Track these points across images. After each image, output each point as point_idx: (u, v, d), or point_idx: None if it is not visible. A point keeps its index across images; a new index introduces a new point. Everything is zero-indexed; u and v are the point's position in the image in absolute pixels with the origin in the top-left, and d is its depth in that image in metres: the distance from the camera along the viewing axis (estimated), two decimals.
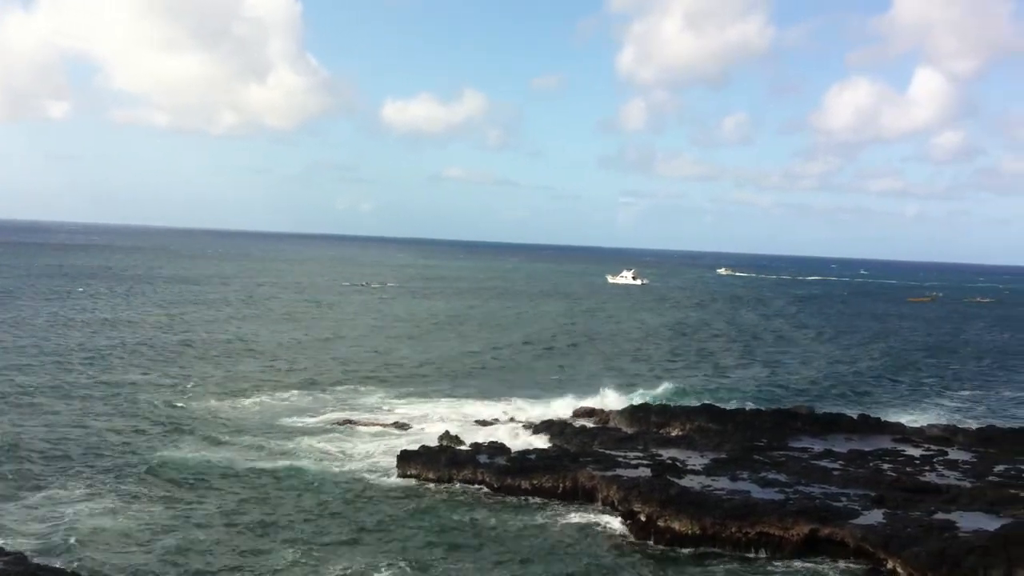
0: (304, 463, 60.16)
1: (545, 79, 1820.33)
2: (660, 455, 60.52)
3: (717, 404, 78.46)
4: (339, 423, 72.03)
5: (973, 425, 76.66)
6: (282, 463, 59.87)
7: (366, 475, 57.97)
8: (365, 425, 71.27)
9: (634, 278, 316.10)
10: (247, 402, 79.58)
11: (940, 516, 48.10)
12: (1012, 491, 53.66)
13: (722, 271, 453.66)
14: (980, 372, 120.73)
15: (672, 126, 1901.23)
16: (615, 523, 50.46)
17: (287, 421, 72.85)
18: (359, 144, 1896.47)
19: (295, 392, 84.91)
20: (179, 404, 77.09)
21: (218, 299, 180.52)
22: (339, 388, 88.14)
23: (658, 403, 78.89)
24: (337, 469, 59.07)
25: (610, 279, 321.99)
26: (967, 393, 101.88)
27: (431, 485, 56.20)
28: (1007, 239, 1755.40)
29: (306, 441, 66.12)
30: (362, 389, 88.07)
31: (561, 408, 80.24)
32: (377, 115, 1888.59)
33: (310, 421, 73.14)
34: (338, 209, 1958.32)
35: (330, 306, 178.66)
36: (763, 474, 56.42)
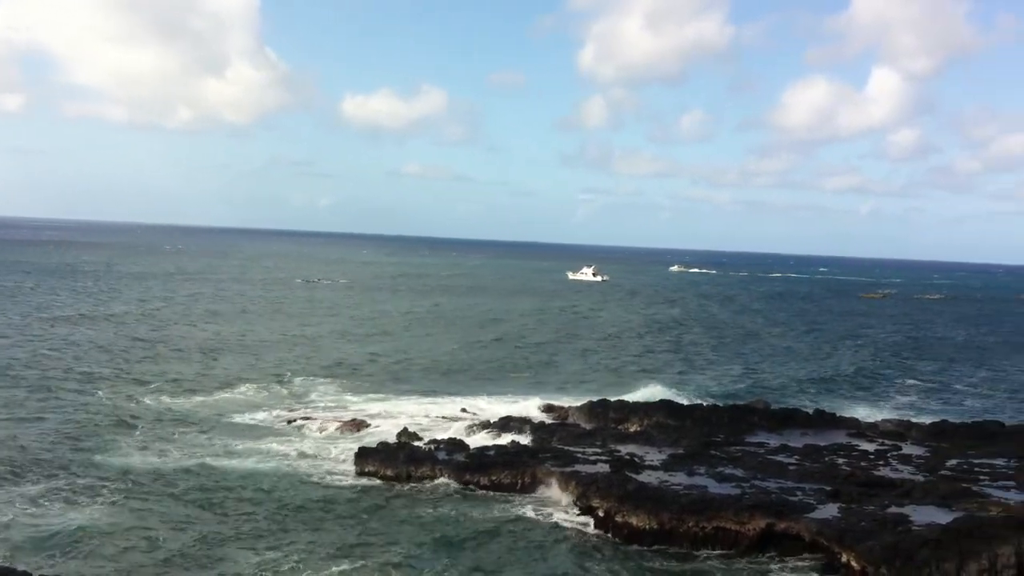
0: (260, 461, 59.63)
1: (505, 75, 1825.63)
2: (618, 451, 60.71)
3: (675, 400, 78.89)
4: (297, 420, 71.45)
5: (926, 420, 77.73)
6: (238, 462, 59.30)
7: (324, 473, 57.58)
8: (323, 422, 70.73)
9: (594, 274, 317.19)
10: (205, 400, 78.71)
11: (894, 510, 48.67)
12: (964, 485, 54.47)
13: (675, 268, 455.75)
14: (932, 367, 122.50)
15: (631, 123, 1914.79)
16: (573, 519, 50.52)
17: (244, 419, 72.19)
18: (318, 139, 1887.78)
19: (252, 389, 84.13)
20: (134, 402, 76.04)
21: (175, 296, 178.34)
22: (297, 385, 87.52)
23: (616, 399, 79.09)
24: (294, 467, 58.61)
25: (570, 275, 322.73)
26: (920, 388, 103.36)
27: (389, 482, 55.91)
28: (961, 237, 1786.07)
29: (263, 439, 65.59)
30: (320, 386, 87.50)
31: (520, 404, 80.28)
32: (336, 110, 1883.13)
33: (268, 418, 72.56)
34: (295, 204, 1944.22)
35: (291, 303, 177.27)
36: (720, 469, 56.76)
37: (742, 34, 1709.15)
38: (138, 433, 65.80)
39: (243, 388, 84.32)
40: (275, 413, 74.34)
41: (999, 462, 62.16)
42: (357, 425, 70.03)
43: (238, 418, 72.30)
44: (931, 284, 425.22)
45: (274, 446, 63.75)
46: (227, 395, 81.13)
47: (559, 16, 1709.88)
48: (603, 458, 58.31)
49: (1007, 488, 54.74)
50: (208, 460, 59.25)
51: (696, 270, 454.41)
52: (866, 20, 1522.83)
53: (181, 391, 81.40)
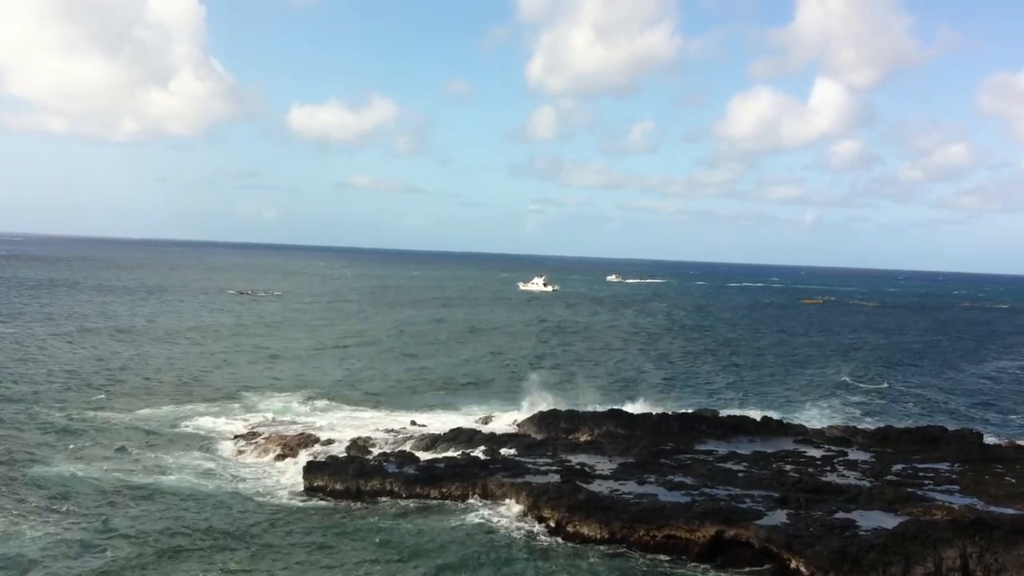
0: (206, 477, 58.71)
1: (455, 86, 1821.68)
2: (569, 461, 60.72)
3: (625, 409, 79.06)
4: (246, 434, 70.46)
5: (871, 426, 78.76)
6: (182, 477, 58.34)
7: (271, 488, 56.84)
8: (272, 436, 69.84)
9: (545, 284, 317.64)
10: (151, 413, 77.42)
11: (841, 515, 49.21)
12: (909, 490, 55.31)
13: (612, 278, 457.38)
14: (875, 373, 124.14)
15: (581, 134, 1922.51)
16: (524, 530, 50.34)
17: (190, 433, 71.04)
18: (265, 150, 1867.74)
19: (200, 404, 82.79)
20: (77, 416, 74.54)
21: (121, 309, 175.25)
22: (247, 399, 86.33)
23: (567, 409, 79.10)
24: (241, 483, 57.80)
25: (522, 286, 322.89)
26: (865, 393, 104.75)
27: (339, 497, 55.23)
28: (903, 245, 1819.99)
29: (208, 453, 64.66)
30: (270, 400, 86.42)
31: (471, 416, 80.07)
32: (284, 121, 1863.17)
33: (215, 433, 71.42)
34: (241, 217, 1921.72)
35: (240, 315, 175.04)
36: (670, 477, 57.02)
37: (690, 47, 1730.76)
38: (79, 447, 64.41)
39: (189, 402, 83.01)
40: (223, 427, 73.22)
41: (943, 466, 63.22)
42: (307, 439, 69.11)
43: (184, 432, 71.14)
44: (870, 292, 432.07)
45: (220, 461, 62.84)
46: (173, 408, 79.81)
47: (510, 26, 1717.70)
48: (554, 468, 58.28)
49: (951, 492, 55.69)
50: (152, 476, 58.19)
51: (633, 280, 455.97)
52: (809, 34, 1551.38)
53: (124, 405, 79.86)
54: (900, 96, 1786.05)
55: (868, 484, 57.10)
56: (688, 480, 56.52)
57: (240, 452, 65.71)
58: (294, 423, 76.01)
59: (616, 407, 79.57)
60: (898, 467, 62.67)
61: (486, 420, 78.27)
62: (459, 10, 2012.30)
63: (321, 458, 60.00)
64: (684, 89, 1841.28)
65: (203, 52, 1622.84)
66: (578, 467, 58.76)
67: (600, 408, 79.60)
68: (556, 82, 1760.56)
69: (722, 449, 66.96)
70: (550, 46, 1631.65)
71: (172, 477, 58.20)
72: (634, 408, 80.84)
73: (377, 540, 48.01)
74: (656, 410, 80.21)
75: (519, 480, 55.10)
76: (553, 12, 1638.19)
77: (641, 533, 48.20)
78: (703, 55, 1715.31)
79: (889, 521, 47.27)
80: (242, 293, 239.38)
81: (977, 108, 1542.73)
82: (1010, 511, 49.99)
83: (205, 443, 68.01)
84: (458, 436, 68.43)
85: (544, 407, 79.78)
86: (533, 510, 51.66)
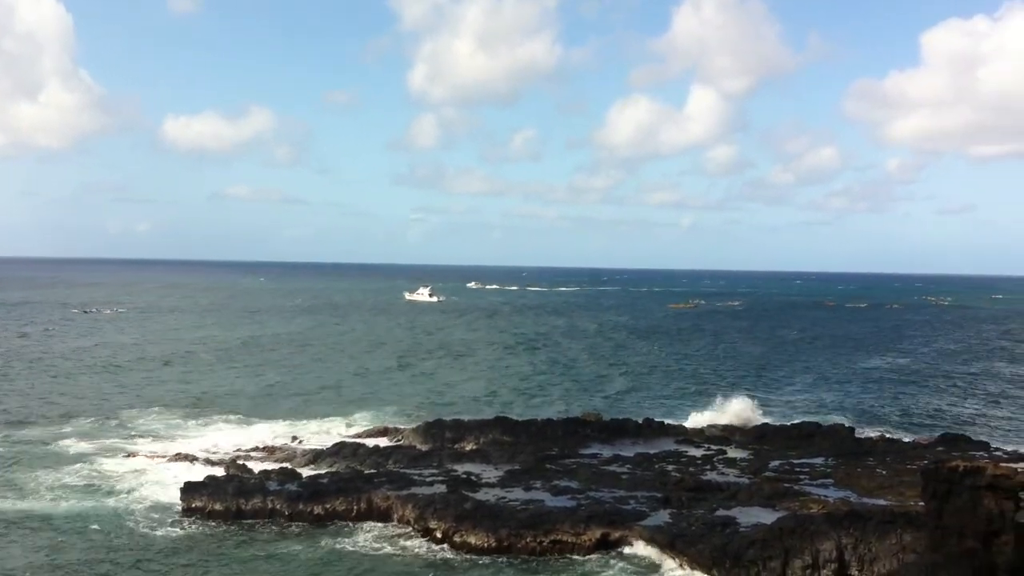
0: (79, 499, 56.09)
1: (335, 95, 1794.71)
2: (455, 470, 60.43)
3: (510, 417, 79.24)
4: (118, 454, 67.67)
5: (748, 424, 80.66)
6: (53, 500, 55.67)
7: (147, 509, 54.52)
8: (147, 456, 67.35)
9: (430, 295, 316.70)
10: (20, 435, 73.61)
11: (722, 513, 50.30)
12: (786, 485, 56.96)
13: (472, 285, 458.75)
14: (746, 373, 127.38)
15: (464, 143, 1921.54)
16: (412, 542, 49.79)
17: (61, 453, 67.71)
18: (137, 163, 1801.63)
19: (71, 423, 79.18)
20: None
21: None
22: (123, 417, 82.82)
23: (452, 419, 78.83)
24: (115, 504, 55.32)
25: (407, 296, 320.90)
26: (741, 393, 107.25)
27: (218, 517, 53.42)
28: (776, 246, 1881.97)
29: (81, 475, 61.72)
30: (148, 418, 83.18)
31: (354, 428, 78.99)
32: (158, 133, 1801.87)
33: (88, 453, 68.17)
34: (111, 231, 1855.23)
35: (118, 331, 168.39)
36: (556, 482, 57.31)
37: (571, 56, 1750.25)
38: None
39: (64, 421, 79.32)
40: (97, 447, 70.10)
41: (817, 461, 65.36)
42: (185, 458, 66.96)
43: (53, 453, 67.88)
44: (744, 294, 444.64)
45: (94, 482, 60.03)
46: (42, 431, 76.06)
47: (391, 36, 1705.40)
48: (440, 478, 57.90)
49: (825, 486, 57.58)
50: (21, 499, 55.35)
51: (492, 287, 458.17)
52: (686, 42, 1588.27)
53: None
54: (772, 102, 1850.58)
55: (747, 481, 58.58)
56: (573, 484, 56.91)
57: (114, 472, 62.95)
58: (174, 441, 73.55)
59: (501, 415, 79.67)
60: (775, 463, 64.49)
61: (371, 433, 77.22)
62: (339, 19, 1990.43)
63: (199, 477, 58.04)
64: (566, 97, 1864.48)
65: (72, 63, 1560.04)
66: (464, 476, 58.53)
67: (485, 416, 79.53)
68: (438, 91, 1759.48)
69: (606, 452, 67.77)
70: (432, 55, 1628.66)
71: (41, 501, 55.43)
72: (518, 415, 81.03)
73: (260, 565, 46.47)
74: (540, 416, 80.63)
75: (405, 492, 54.49)
76: (435, 21, 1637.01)
77: (528, 539, 48.25)
78: (584, 64, 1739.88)
79: (768, 516, 48.49)
80: (86, 311, 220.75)
81: (844, 113, 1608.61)
82: (882, 502, 51.97)
83: (76, 463, 64.85)
84: (341, 450, 67.27)
85: (427, 418, 79.24)
86: (420, 522, 51.16)
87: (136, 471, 63.50)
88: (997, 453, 68.01)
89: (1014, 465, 54.66)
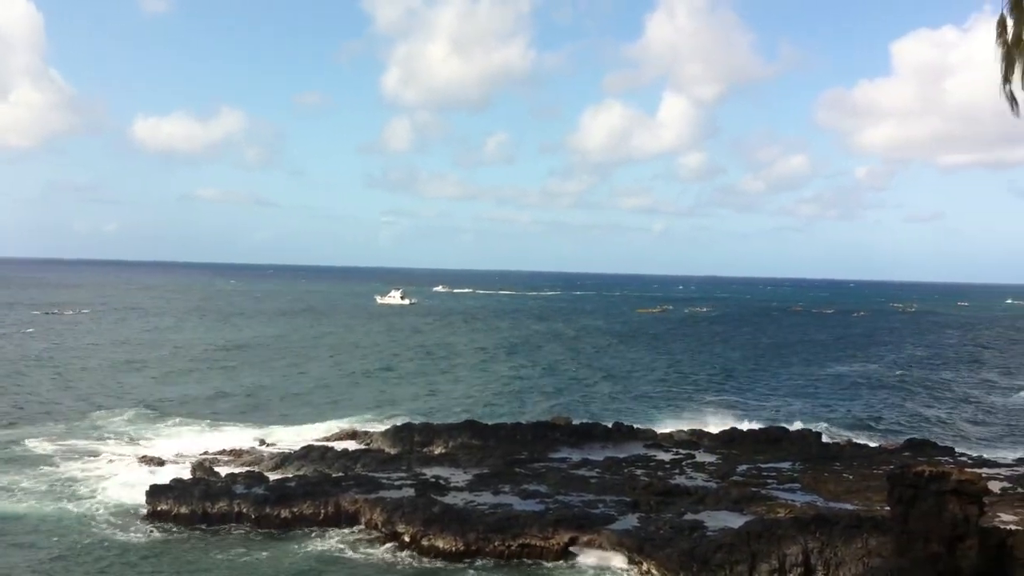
0: (40, 501, 55.33)
1: (308, 97, 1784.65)
2: (423, 474, 60.20)
3: (479, 420, 79.06)
4: (83, 457, 66.81)
5: (716, 428, 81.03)
6: (14, 502, 54.87)
7: (112, 513, 53.86)
8: (113, 458, 66.57)
9: (402, 298, 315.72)
10: None
11: (690, 517, 50.41)
12: (753, 489, 57.19)
13: (439, 288, 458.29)
14: (715, 378, 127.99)
15: (437, 147, 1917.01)
16: (379, 546, 49.51)
17: (25, 455, 66.80)
18: (106, 163, 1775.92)
19: (35, 425, 78.02)
20: None
21: None
22: (90, 419, 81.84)
23: (421, 422, 78.57)
24: (79, 508, 54.59)
25: (379, 300, 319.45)
26: (710, 398, 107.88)
27: (184, 521, 52.83)
28: (746, 252, 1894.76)
29: (45, 477, 60.84)
30: (115, 420, 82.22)
31: (321, 432, 78.48)
32: (127, 133, 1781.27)
33: (53, 455, 67.27)
34: (79, 232, 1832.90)
35: (84, 333, 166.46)
36: (524, 486, 57.22)
37: (545, 61, 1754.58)
38: None
39: (23, 423, 78.20)
40: (60, 449, 69.14)
41: (785, 465, 65.69)
42: (151, 461, 66.25)
43: (14, 455, 66.87)
44: (714, 299, 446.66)
45: (56, 486, 59.19)
46: (3, 432, 74.95)
47: (365, 40, 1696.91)
48: (408, 482, 57.64)
49: (793, 490, 57.86)
50: None
51: (461, 291, 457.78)
52: (659, 49, 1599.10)
53: None
54: (744, 110, 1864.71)
55: (715, 485, 58.76)
56: (542, 488, 56.85)
57: (80, 475, 62.14)
58: (141, 444, 72.76)
59: (471, 419, 79.49)
60: (743, 468, 64.74)
61: (340, 436, 76.77)
62: (312, 21, 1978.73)
63: (165, 481, 57.39)
64: (539, 102, 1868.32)
65: (42, 62, 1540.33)
66: (433, 480, 58.31)
67: (454, 420, 79.34)
68: (412, 95, 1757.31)
69: (575, 456, 67.74)
70: (406, 59, 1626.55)
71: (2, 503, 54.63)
72: (488, 419, 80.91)
73: (223, 568, 45.95)
74: (510, 419, 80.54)
75: (373, 496, 54.17)
76: (409, 25, 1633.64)
77: (496, 543, 48.12)
78: (558, 69, 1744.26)
79: (735, 520, 48.63)
80: (49, 313, 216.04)
81: (814, 121, 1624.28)
82: (848, 507, 52.30)
83: (41, 465, 64.01)
84: (309, 454, 66.79)
85: (397, 421, 78.92)
86: (387, 525, 50.89)
87: (101, 474, 62.71)
88: (962, 458, 68.73)
89: (978, 470, 55.34)
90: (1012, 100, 20.04)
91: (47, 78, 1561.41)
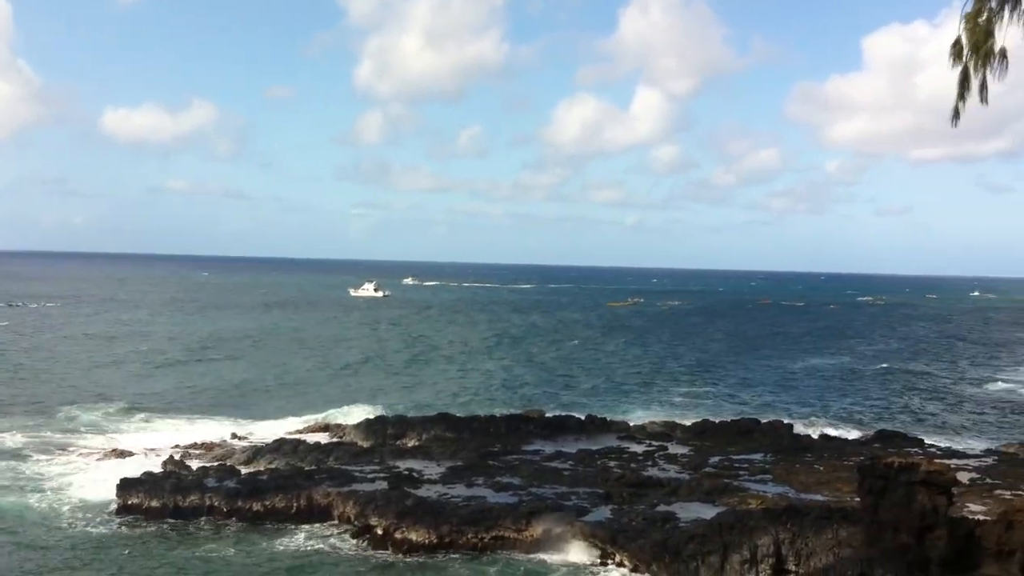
0: (2, 496, 54.63)
1: (279, 89, 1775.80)
2: (397, 467, 60.03)
3: (453, 412, 78.95)
4: (52, 451, 66.13)
5: (689, 420, 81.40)
6: None
7: (81, 508, 53.31)
8: (83, 452, 65.95)
9: (376, 290, 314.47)
10: None
11: (662, 508, 50.58)
12: (725, 480, 57.48)
13: (408, 280, 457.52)
14: (688, 369, 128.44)
15: (410, 139, 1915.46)
16: (352, 539, 49.34)
17: None
18: (74, 155, 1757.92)
19: (2, 419, 77.39)
20: None
21: None
22: (61, 414, 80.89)
23: (395, 415, 78.40)
24: (46, 502, 54.02)
25: (352, 292, 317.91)
26: (683, 390, 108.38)
27: (154, 515, 52.37)
28: (718, 246, 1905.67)
29: (9, 471, 60.13)
30: (85, 414, 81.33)
31: (294, 425, 78.11)
32: (96, 125, 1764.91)
33: (21, 449, 66.53)
34: (46, 225, 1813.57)
35: (54, 326, 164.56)
36: (498, 479, 57.22)
37: (518, 53, 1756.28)
38: None
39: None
40: (29, 443, 68.40)
41: (756, 457, 66.08)
42: (122, 454, 65.75)
43: None
44: (687, 292, 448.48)
45: (23, 480, 58.51)
46: None
47: (338, 32, 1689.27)
48: (381, 475, 57.46)
49: (764, 482, 58.18)
50: None
51: (431, 283, 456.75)
52: (632, 43, 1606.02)
53: None
54: (716, 103, 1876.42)
55: (687, 477, 59.00)
56: (516, 481, 56.85)
57: (48, 469, 61.50)
58: (112, 437, 72.13)
59: (444, 411, 79.37)
60: (715, 459, 65.05)
61: (312, 429, 76.45)
62: (285, 13, 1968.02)
63: (136, 474, 56.90)
64: (512, 95, 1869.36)
65: (10, 52, 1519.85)
66: (406, 473, 58.15)
67: (428, 412, 79.20)
68: (385, 87, 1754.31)
69: (548, 448, 67.79)
70: (379, 51, 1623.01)
71: None
72: (461, 411, 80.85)
73: (195, 562, 45.50)
74: (483, 412, 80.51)
75: (346, 489, 53.97)
76: (382, 17, 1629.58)
77: (470, 536, 48.07)
78: (531, 62, 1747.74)
79: (707, 512, 48.84)
80: (11, 305, 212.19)
81: (786, 115, 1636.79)
82: (819, 498, 52.67)
83: (5, 460, 63.25)
84: (282, 447, 66.46)
85: (370, 414, 78.68)
86: (360, 518, 50.73)
87: (70, 468, 62.16)
88: (931, 449, 69.39)
89: (947, 461, 55.93)
90: (956, 115, 20.83)
91: (15, 69, 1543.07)
